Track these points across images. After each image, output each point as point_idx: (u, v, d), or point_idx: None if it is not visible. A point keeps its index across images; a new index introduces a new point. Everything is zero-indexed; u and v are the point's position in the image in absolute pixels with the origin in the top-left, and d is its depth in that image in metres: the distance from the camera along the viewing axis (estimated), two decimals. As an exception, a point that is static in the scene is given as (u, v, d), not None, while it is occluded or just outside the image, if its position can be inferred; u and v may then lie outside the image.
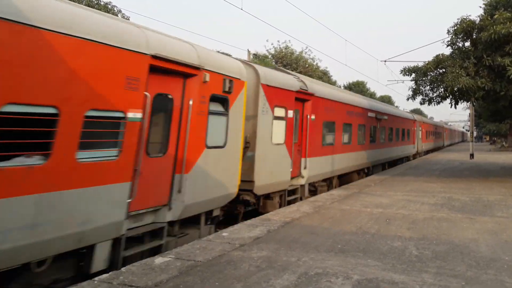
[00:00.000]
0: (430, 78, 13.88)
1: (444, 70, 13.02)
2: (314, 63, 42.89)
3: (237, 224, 6.75)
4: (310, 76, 38.01)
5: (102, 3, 26.24)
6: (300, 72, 37.01)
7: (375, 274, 4.29)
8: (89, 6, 23.39)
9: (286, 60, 39.71)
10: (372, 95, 67.74)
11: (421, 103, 14.99)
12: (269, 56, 40.31)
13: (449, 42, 13.74)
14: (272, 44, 50.66)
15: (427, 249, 5.27)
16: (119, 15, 25.63)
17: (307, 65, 40.65)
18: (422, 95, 14.50)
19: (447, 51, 14.33)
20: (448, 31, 13.38)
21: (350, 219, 7.10)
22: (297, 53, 41.32)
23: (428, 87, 14.23)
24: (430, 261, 4.76)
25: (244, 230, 6.26)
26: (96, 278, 4.21)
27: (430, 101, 14.32)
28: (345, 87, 65.71)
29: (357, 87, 65.35)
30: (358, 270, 4.41)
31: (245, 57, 27.72)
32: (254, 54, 34.14)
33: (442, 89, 13.15)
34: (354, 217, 7.27)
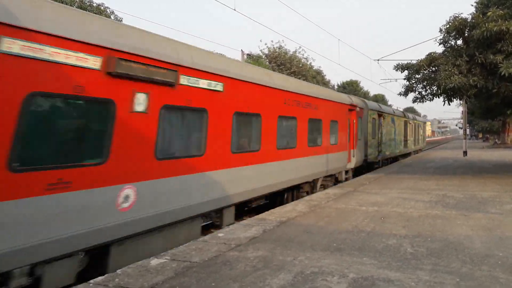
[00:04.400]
0: (423, 76, 13.96)
1: (437, 68, 13.11)
2: (308, 63, 42.98)
3: (232, 225, 6.74)
4: (303, 75, 38.11)
5: (94, 4, 26.09)
6: (294, 72, 37.09)
7: (371, 272, 4.31)
8: (81, 8, 23.20)
9: (280, 60, 39.74)
10: (365, 94, 68.04)
11: (413, 101, 15.09)
12: (263, 56, 40.31)
13: (442, 40, 13.83)
14: (265, 44, 50.75)
15: (422, 246, 5.30)
16: (112, 16, 25.49)
17: (300, 65, 40.71)
18: (415, 92, 14.59)
19: (440, 49, 14.43)
20: (441, 30, 13.47)
21: (345, 218, 7.12)
22: (291, 53, 41.37)
23: (420, 85, 14.31)
24: (425, 258, 4.79)
25: (240, 230, 6.26)
26: (92, 281, 4.18)
27: (422, 99, 14.42)
28: (339, 87, 65.92)
29: (351, 87, 65.59)
30: (354, 269, 4.42)
31: (239, 57, 27.70)
32: (248, 55, 34.10)
33: (435, 87, 13.23)
34: (350, 216, 7.29)
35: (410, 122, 28.58)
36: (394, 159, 24.30)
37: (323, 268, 4.44)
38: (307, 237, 5.80)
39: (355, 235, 5.91)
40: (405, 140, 26.88)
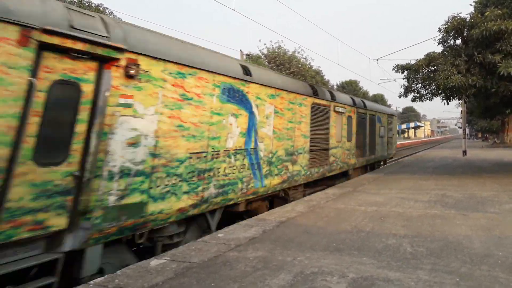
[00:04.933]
0: (422, 75, 13.97)
1: (435, 67, 13.14)
2: (307, 63, 43.00)
3: (232, 225, 6.74)
4: (303, 75, 38.05)
5: (93, 5, 26.09)
6: (293, 72, 37.12)
7: (370, 272, 4.31)
8: (80, 7, 23.24)
9: (279, 60, 39.76)
10: (364, 94, 68.15)
11: (412, 100, 15.11)
12: (262, 57, 40.33)
13: (440, 40, 13.86)
14: (264, 44, 50.80)
15: (422, 246, 5.31)
16: (111, 16, 25.55)
17: (300, 65, 40.72)
18: (414, 93, 14.61)
19: (439, 49, 14.47)
20: (440, 29, 13.49)
21: (345, 218, 7.12)
22: (290, 53, 41.39)
23: (420, 85, 14.33)
24: (424, 258, 4.80)
25: (239, 230, 6.26)
26: (91, 282, 4.18)
27: (421, 98, 14.44)
28: (338, 86, 66.01)
29: (350, 86, 65.74)
30: (354, 268, 4.43)
31: (238, 57, 27.72)
32: (247, 55, 34.16)
33: (434, 87, 13.26)
34: (349, 216, 7.30)
35: (341, 110, 12.81)
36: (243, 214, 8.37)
37: (323, 268, 4.44)
38: (307, 237, 5.81)
39: (355, 235, 5.92)
40: (325, 150, 11.71)
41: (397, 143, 57.79)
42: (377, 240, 5.60)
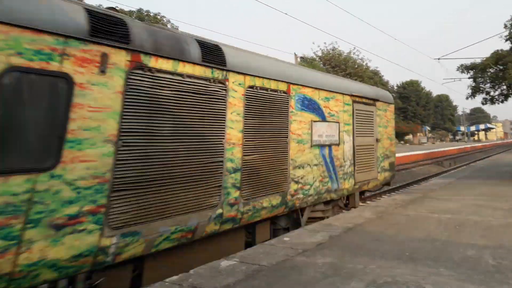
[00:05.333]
0: (490, 75, 13.00)
1: (505, 66, 12.14)
2: (364, 64, 41.71)
3: (297, 229, 6.72)
4: (360, 76, 36.95)
5: (151, 14, 27.59)
6: (349, 73, 36.17)
7: (450, 284, 4.05)
8: (139, 18, 24.69)
9: (334, 61, 39.05)
10: (427, 95, 64.59)
11: (482, 103, 14.07)
12: (317, 59, 39.86)
13: (508, 37, 12.77)
14: (318, 46, 49.98)
15: (506, 258, 4.87)
16: (168, 25, 26.83)
17: (356, 66, 39.65)
18: (483, 93, 13.64)
19: (507, 46, 13.23)
20: (505, 25, 12.47)
21: (416, 225, 6.77)
22: (345, 54, 40.45)
23: (488, 85, 13.36)
24: (510, 272, 4.40)
25: (305, 235, 6.22)
26: (167, 280, 4.39)
27: (492, 100, 13.41)
28: (398, 87, 63.22)
29: (411, 87, 62.72)
30: (431, 280, 4.19)
31: (292, 60, 27.63)
32: (301, 57, 33.97)
33: (505, 86, 12.28)
34: (421, 223, 6.92)
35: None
36: None
37: (397, 278, 4.25)
38: (377, 245, 5.60)
39: (429, 244, 5.60)
40: None
41: (466, 146, 52.69)
42: (454, 250, 5.24)
